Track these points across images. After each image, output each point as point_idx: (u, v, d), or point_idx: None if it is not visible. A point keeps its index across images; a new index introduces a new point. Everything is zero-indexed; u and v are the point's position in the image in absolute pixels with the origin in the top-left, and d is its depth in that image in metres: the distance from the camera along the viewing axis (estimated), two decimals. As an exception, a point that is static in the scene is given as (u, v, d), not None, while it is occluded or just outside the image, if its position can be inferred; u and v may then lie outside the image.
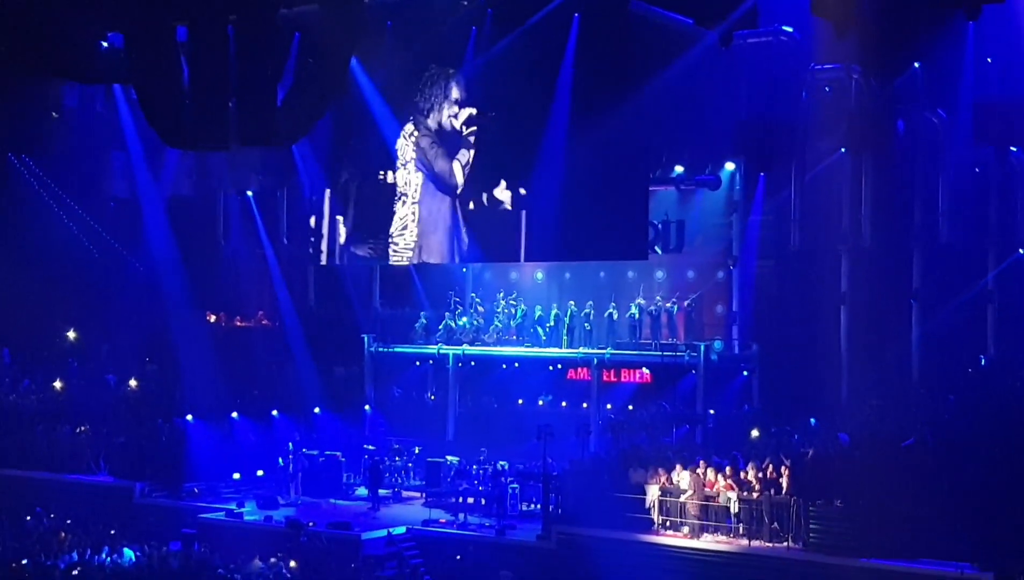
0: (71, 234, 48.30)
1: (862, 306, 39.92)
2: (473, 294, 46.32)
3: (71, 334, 49.92)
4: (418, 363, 45.85)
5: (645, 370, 41.92)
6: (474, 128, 41.92)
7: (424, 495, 39.27)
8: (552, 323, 43.37)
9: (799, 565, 30.63)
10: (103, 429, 43.08)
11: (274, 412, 43.06)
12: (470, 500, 37.40)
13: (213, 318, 49.25)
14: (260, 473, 40.71)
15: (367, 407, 44.95)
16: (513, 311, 44.32)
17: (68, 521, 37.28)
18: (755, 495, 32.25)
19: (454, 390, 44.67)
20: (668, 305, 42.02)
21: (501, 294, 45.12)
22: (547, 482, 35.10)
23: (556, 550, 33.60)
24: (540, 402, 44.10)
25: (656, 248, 41.60)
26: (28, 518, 37.42)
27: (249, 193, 48.96)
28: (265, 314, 49.40)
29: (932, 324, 39.76)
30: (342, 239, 45.22)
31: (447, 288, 46.07)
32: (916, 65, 39.55)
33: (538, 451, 35.63)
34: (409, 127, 42.97)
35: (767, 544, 31.70)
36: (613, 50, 39.01)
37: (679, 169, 41.72)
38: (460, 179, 41.96)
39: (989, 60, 39.11)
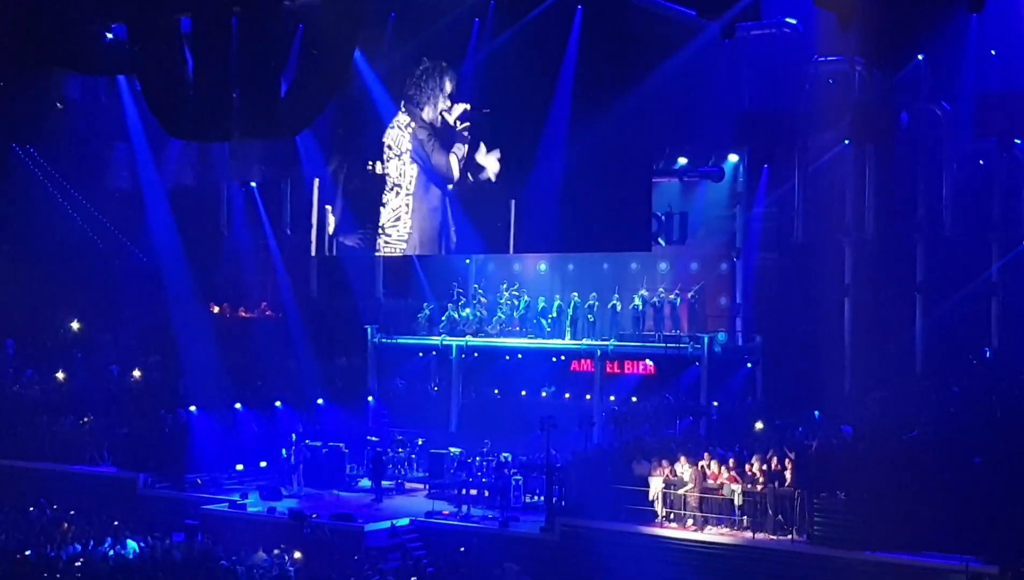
0: (74, 225, 48.40)
1: (866, 298, 39.83)
2: (476, 285, 46.34)
3: (74, 325, 49.88)
4: (421, 354, 45.77)
5: (648, 362, 41.92)
6: (467, 124, 41.76)
7: (427, 487, 39.37)
8: (555, 314, 43.38)
9: (803, 558, 30.52)
10: (106, 420, 43.05)
11: (277, 403, 43.00)
12: (473, 492, 37.42)
13: (216, 309, 49.24)
14: (263, 464, 40.71)
15: (370, 398, 44.97)
16: (516, 302, 44.33)
17: (71, 512, 37.34)
18: (759, 487, 32.20)
19: (457, 381, 44.73)
20: (671, 297, 42.02)
21: (504, 285, 45.15)
22: (550, 474, 35.10)
23: (559, 542, 33.57)
24: (543, 394, 44.05)
25: (659, 240, 41.44)
26: (31, 509, 37.47)
27: (252, 184, 48.90)
28: (268, 305, 49.37)
29: (936, 316, 39.80)
30: (331, 229, 45.05)
31: (450, 279, 46.06)
32: (919, 57, 39.58)
33: (541, 443, 35.59)
34: (404, 118, 42.78)
35: (771, 537, 31.63)
36: (616, 42, 38.91)
37: (682, 161, 41.65)
38: (456, 173, 41.86)
39: (992, 52, 39.09)
